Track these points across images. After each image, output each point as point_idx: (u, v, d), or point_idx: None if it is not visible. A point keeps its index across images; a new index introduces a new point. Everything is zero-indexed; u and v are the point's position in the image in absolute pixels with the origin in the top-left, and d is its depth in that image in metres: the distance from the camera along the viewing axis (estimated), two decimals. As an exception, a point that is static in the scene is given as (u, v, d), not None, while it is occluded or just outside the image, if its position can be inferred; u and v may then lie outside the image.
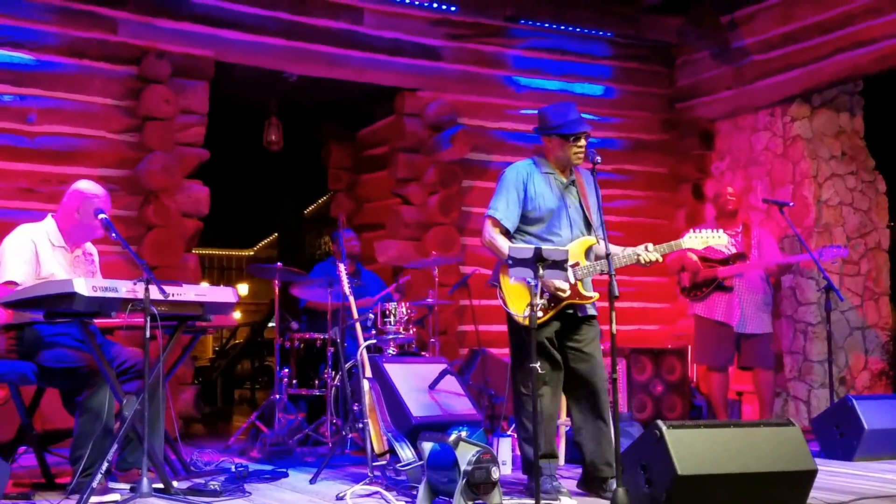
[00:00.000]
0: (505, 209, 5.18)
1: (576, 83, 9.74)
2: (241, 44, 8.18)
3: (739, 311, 7.70)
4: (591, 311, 5.22)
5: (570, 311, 5.12)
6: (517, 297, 5.04)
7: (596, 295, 5.12)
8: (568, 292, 5.01)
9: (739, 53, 9.34)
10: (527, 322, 4.88)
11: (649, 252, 5.01)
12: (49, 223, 5.35)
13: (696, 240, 5.20)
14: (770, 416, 7.81)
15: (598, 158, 4.95)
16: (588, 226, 5.23)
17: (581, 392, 5.20)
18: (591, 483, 5.15)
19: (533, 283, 4.46)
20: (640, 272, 9.02)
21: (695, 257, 7.78)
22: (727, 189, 8.10)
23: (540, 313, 4.97)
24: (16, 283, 5.03)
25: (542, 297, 4.95)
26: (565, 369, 5.19)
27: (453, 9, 8.75)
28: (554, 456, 5.23)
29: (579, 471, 5.30)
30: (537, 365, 4.40)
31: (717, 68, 9.64)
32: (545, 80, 9.59)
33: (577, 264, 5.02)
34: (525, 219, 5.21)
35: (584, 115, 5.34)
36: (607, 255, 4.63)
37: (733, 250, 7.77)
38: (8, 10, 7.30)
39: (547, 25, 9.22)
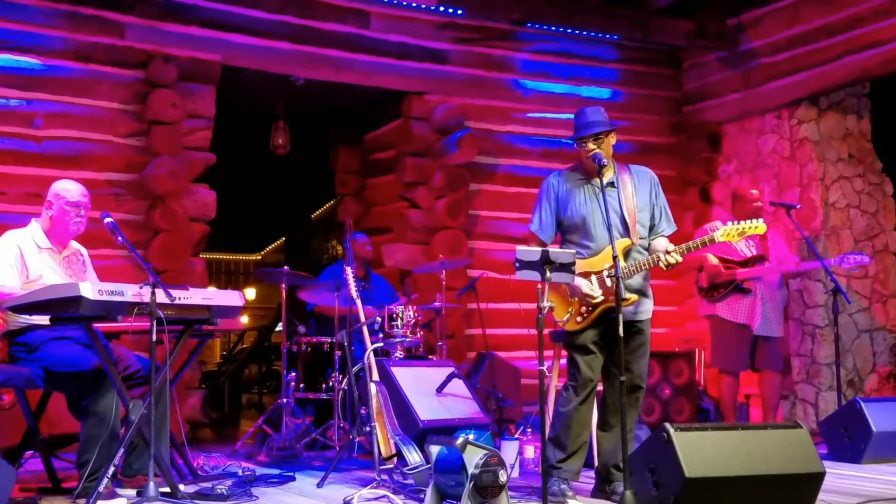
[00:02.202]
0: (539, 222, 5.23)
1: (583, 86, 9.73)
2: (249, 48, 8.19)
3: (761, 314, 7.58)
4: (640, 317, 5.16)
5: (614, 316, 4.88)
6: (559, 304, 5.05)
7: (633, 297, 4.99)
8: (599, 298, 4.98)
9: (747, 56, 9.33)
10: (566, 326, 5.04)
11: (669, 255, 4.89)
12: (34, 226, 5.41)
13: (733, 231, 4.94)
14: (774, 419, 7.76)
15: (605, 161, 4.95)
16: (628, 227, 5.16)
17: (608, 406, 5.20)
18: (605, 489, 5.15)
19: (539, 287, 4.45)
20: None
21: (715, 260, 7.66)
22: (752, 192, 7.84)
23: (579, 319, 5.03)
24: (7, 289, 5.05)
25: (581, 306, 5.03)
26: (608, 374, 5.17)
27: (460, 12, 8.74)
28: (577, 459, 5.14)
29: (591, 474, 5.30)
30: (544, 367, 4.39)
31: (724, 71, 9.64)
32: (552, 83, 9.59)
33: (611, 267, 4.97)
34: (564, 227, 5.22)
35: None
36: (614, 258, 4.61)
37: (753, 252, 7.68)
38: (15, 15, 7.32)
39: (554, 29, 9.21)
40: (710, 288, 7.79)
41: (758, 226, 4.95)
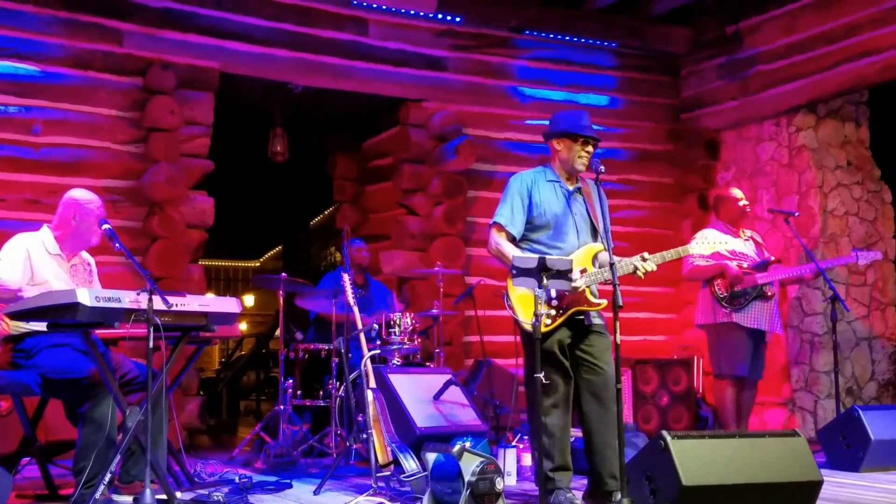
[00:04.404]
0: (510, 216, 5.16)
1: (581, 93, 9.74)
2: (247, 55, 8.19)
3: (777, 317, 7.29)
4: (599, 321, 5.15)
5: (580, 318, 5.05)
6: (525, 305, 4.95)
7: (604, 302, 4.98)
8: (581, 287, 4.96)
9: (745, 64, 9.33)
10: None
11: (645, 262, 4.95)
12: (45, 232, 5.35)
13: (704, 245, 5.24)
14: (746, 428, 7.46)
15: (602, 168, 4.92)
16: (594, 233, 5.20)
17: (591, 404, 5.11)
18: (596, 495, 5.11)
19: (537, 293, 4.44)
20: (646, 282, 9.02)
21: (735, 266, 7.16)
22: (733, 192, 7.49)
23: (548, 321, 4.95)
24: (5, 281, 5.04)
25: (549, 304, 4.95)
26: (576, 380, 5.12)
27: (458, 20, 8.76)
28: (567, 468, 5.11)
29: (584, 481, 5.27)
30: (541, 375, 4.38)
31: (722, 79, 9.64)
32: (550, 90, 9.59)
33: (584, 270, 4.98)
34: (530, 226, 5.18)
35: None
36: (611, 265, 4.60)
37: (753, 255, 7.39)
38: (14, 22, 7.32)
39: (552, 36, 9.22)
40: (731, 297, 7.22)
41: (727, 241, 5.43)
